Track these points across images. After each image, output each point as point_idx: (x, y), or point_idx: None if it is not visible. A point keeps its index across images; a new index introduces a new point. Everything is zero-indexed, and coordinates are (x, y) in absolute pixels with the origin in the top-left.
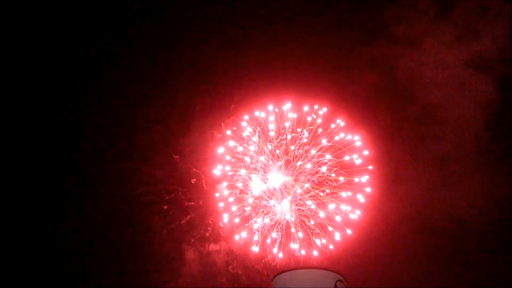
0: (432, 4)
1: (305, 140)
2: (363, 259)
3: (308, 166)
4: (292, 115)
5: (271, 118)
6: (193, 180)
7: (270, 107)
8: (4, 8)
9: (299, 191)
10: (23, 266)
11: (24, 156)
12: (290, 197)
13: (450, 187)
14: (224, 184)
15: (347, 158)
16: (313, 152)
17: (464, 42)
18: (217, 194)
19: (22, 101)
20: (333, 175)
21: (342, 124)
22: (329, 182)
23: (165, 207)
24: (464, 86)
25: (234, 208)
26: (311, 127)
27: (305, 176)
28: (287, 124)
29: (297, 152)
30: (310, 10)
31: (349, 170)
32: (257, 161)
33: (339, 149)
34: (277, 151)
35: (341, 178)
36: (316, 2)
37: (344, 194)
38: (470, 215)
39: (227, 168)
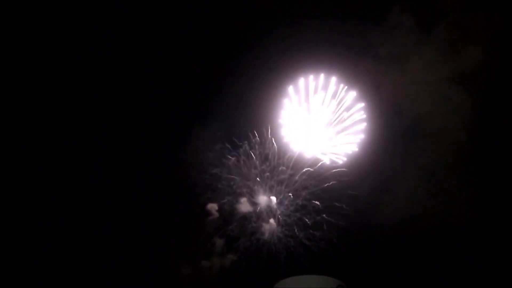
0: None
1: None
2: (359, 264)
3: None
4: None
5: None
6: None
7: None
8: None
9: (284, 211)
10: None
11: None
12: (276, 218)
13: (436, 196)
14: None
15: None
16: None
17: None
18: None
19: None
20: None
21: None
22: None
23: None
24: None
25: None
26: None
27: (291, 198)
28: (272, 149)
29: (283, 175)
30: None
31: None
32: (244, 184)
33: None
34: (264, 175)
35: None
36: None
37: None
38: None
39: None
